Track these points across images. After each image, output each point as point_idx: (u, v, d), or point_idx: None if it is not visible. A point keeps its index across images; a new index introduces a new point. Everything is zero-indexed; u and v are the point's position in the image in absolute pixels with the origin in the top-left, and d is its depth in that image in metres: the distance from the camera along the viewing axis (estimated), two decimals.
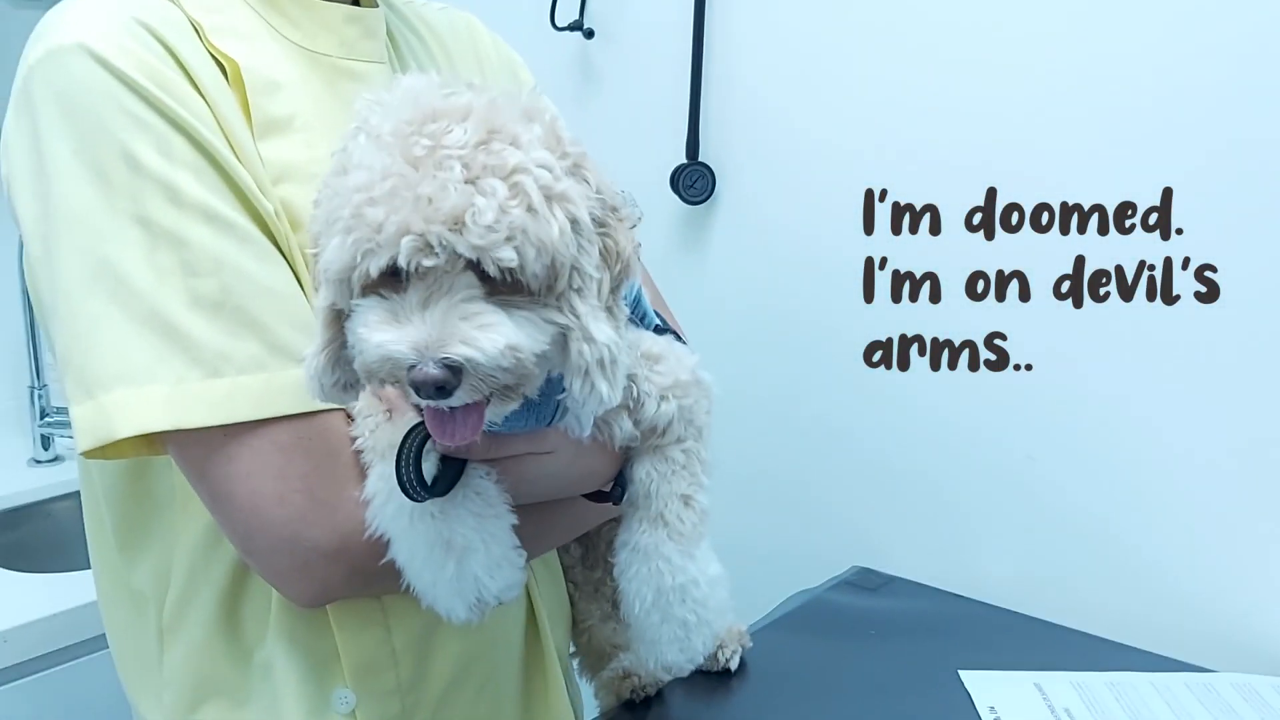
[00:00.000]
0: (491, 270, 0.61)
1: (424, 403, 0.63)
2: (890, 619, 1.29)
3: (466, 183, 0.60)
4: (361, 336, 0.62)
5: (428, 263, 0.60)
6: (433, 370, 0.59)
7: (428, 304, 0.61)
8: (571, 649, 1.12)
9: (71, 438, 1.88)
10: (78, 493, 1.80)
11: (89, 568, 1.53)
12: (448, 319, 0.60)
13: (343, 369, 0.68)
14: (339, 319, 0.67)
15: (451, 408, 0.63)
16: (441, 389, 0.60)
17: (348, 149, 0.65)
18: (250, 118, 0.81)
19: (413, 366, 0.59)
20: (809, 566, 1.47)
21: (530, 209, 0.62)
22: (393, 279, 0.62)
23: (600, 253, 0.67)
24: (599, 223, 0.67)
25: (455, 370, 0.59)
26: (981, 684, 1.11)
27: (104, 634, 1.39)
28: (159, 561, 0.88)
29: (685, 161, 1.57)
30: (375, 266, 0.61)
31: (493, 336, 0.61)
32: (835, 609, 1.33)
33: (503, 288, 0.62)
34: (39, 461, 1.93)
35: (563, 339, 0.66)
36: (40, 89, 0.75)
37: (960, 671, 1.14)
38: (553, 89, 0.96)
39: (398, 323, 0.61)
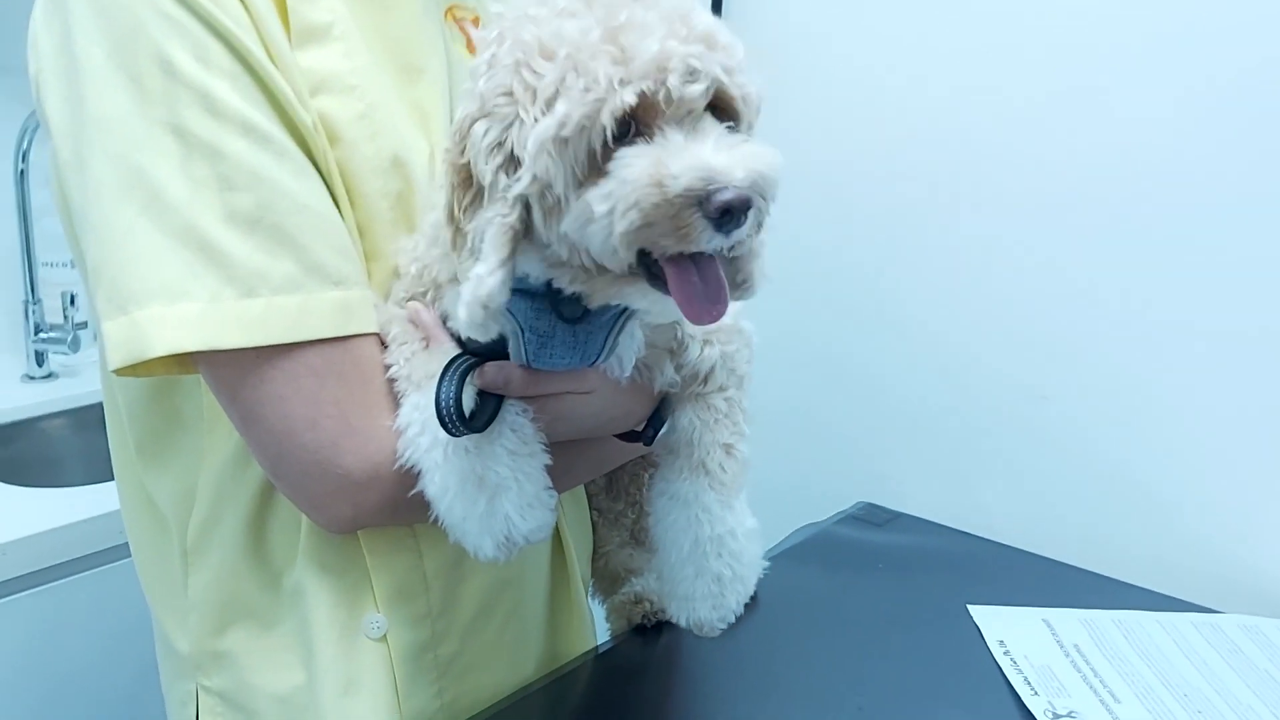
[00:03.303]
0: (738, 97, 0.61)
1: (715, 236, 0.59)
2: (898, 554, 1.30)
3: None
4: (636, 178, 0.58)
5: (693, 88, 0.59)
6: (745, 190, 0.57)
7: (690, 141, 0.59)
8: None
9: (64, 354, 1.87)
10: (72, 410, 1.83)
11: (84, 484, 1.53)
12: (725, 146, 0.59)
13: (505, 291, 0.65)
14: (516, 237, 0.64)
15: (705, 283, 0.61)
16: (747, 210, 0.58)
17: (511, 46, 0.62)
18: (288, 24, 0.77)
19: (717, 190, 0.57)
20: (814, 500, 1.47)
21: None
22: (627, 135, 0.60)
23: None
24: None
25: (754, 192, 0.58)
26: (990, 618, 1.12)
27: (101, 550, 1.41)
28: (181, 482, 0.87)
29: None
30: (632, 95, 0.58)
31: (770, 154, 0.60)
32: (843, 543, 1.33)
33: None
34: (32, 378, 1.90)
35: None
36: None
37: (969, 606, 1.15)
38: None
39: (681, 156, 0.58)
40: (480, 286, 0.64)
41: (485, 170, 0.63)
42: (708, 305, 0.61)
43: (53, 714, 1.41)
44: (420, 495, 0.73)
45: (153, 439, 0.87)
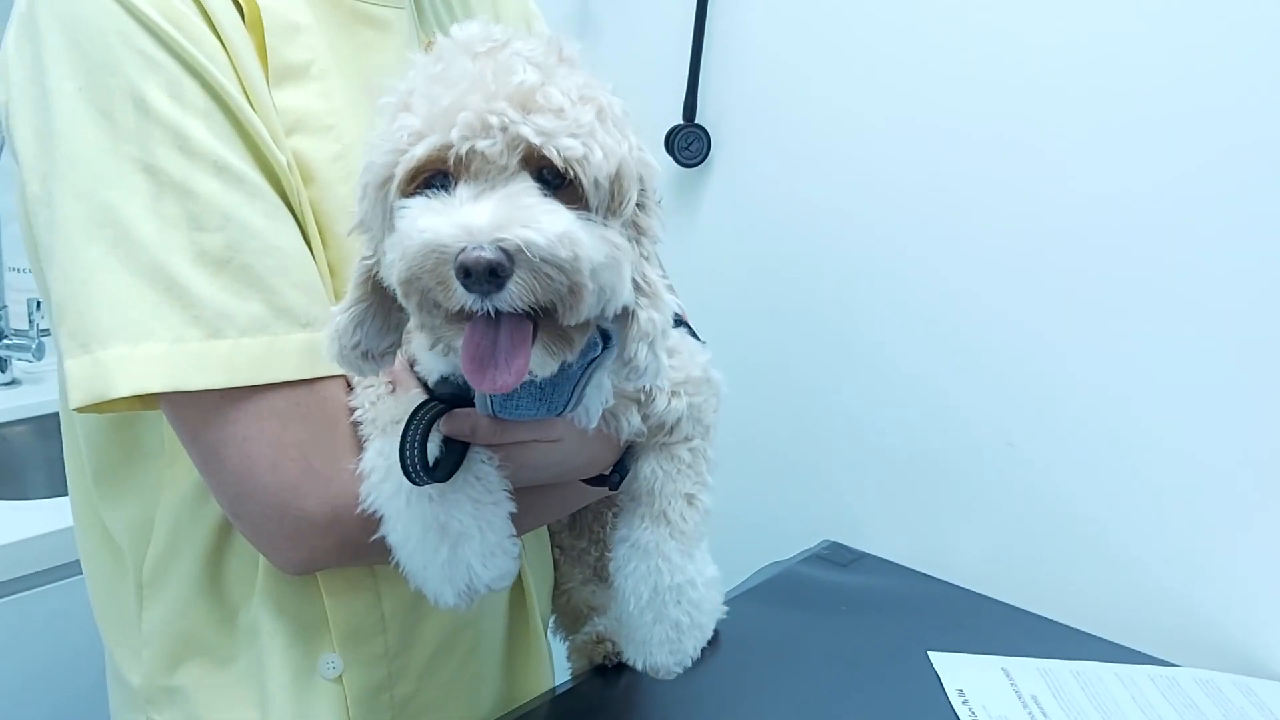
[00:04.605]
0: (556, 159, 0.58)
1: (465, 295, 0.56)
2: (861, 595, 1.30)
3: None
4: (403, 229, 0.57)
5: (484, 144, 0.57)
6: (486, 252, 0.54)
7: (479, 198, 0.57)
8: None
9: (29, 360, 1.85)
10: (35, 418, 1.81)
11: (46, 494, 1.51)
12: (502, 205, 0.56)
13: (365, 333, 0.66)
14: (371, 276, 0.65)
15: (494, 346, 0.59)
16: (494, 274, 0.55)
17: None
18: (266, 63, 0.77)
19: (463, 250, 0.54)
20: (780, 537, 1.47)
21: (601, 116, 0.60)
22: (437, 186, 0.59)
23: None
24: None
25: (510, 256, 0.55)
26: (950, 666, 1.13)
27: (59, 566, 1.39)
28: (138, 514, 0.85)
29: (681, 123, 1.55)
30: (424, 149, 0.57)
31: (553, 219, 0.56)
32: (806, 582, 1.33)
33: (561, 196, 0.59)
34: None
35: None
36: (47, 16, 0.71)
37: (929, 652, 1.15)
38: None
39: (443, 211, 0.57)
40: (332, 323, 0.66)
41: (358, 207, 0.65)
42: (489, 370, 0.58)
43: None
44: (380, 539, 0.72)
45: (111, 470, 0.86)
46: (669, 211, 1.57)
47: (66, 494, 0.93)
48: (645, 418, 0.79)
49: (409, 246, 0.56)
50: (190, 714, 0.86)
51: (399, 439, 0.69)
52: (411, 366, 0.75)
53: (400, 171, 0.59)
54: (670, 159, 1.55)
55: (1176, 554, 1.25)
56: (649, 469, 0.80)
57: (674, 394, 0.78)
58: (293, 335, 0.73)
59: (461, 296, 0.56)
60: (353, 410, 0.76)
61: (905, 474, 1.46)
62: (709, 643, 1.12)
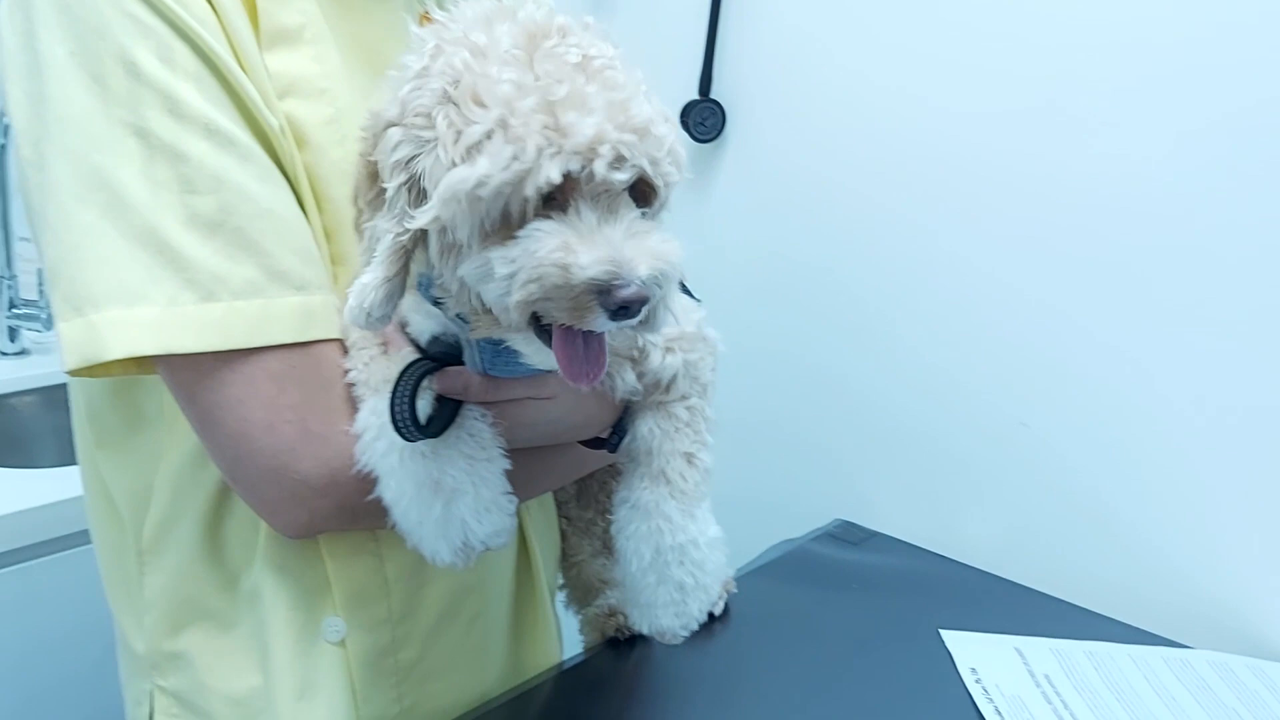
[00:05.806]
0: (660, 185, 0.62)
1: (607, 323, 0.60)
2: (872, 574, 1.29)
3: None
4: (541, 256, 0.59)
5: (618, 176, 0.59)
6: (645, 289, 0.59)
7: (602, 224, 0.60)
8: (560, 582, 1.11)
9: (38, 330, 1.85)
10: (44, 388, 1.81)
11: (54, 464, 1.50)
12: (633, 235, 0.60)
13: (389, 304, 0.66)
14: (407, 255, 0.65)
15: (585, 349, 0.63)
16: (642, 305, 0.60)
17: (443, 68, 0.62)
18: (258, 26, 0.76)
19: (620, 286, 0.58)
20: (791, 516, 1.47)
21: (675, 131, 0.64)
22: (541, 200, 0.60)
23: None
24: None
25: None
26: (962, 644, 1.12)
27: (66, 535, 1.39)
28: (139, 480, 0.85)
29: (696, 98, 1.53)
30: (558, 172, 0.58)
31: (672, 249, 0.61)
32: (818, 560, 1.33)
33: (633, 194, 0.63)
34: (5, 354, 1.88)
35: None
36: None
37: (941, 631, 1.14)
38: (563, 11, 0.92)
39: (590, 243, 0.59)
40: (365, 296, 0.65)
41: (389, 182, 0.63)
42: (587, 369, 0.63)
43: (14, 697, 1.39)
44: (378, 501, 0.72)
45: (112, 436, 0.86)
46: (682, 187, 1.56)
47: (74, 463, 0.92)
48: (640, 375, 0.78)
49: (553, 274, 0.58)
50: (193, 679, 0.86)
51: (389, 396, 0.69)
52: (403, 328, 0.75)
53: (530, 191, 0.59)
54: (685, 134, 1.53)
55: (1190, 536, 1.24)
56: (646, 428, 0.79)
57: (668, 350, 0.78)
58: (287, 298, 0.72)
59: (600, 323, 0.60)
60: (347, 372, 0.75)
61: (917, 453, 1.45)
62: (719, 618, 1.13)
